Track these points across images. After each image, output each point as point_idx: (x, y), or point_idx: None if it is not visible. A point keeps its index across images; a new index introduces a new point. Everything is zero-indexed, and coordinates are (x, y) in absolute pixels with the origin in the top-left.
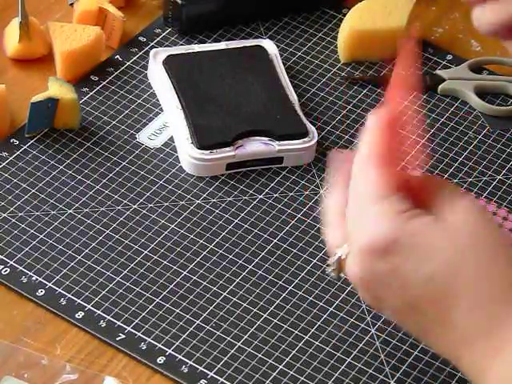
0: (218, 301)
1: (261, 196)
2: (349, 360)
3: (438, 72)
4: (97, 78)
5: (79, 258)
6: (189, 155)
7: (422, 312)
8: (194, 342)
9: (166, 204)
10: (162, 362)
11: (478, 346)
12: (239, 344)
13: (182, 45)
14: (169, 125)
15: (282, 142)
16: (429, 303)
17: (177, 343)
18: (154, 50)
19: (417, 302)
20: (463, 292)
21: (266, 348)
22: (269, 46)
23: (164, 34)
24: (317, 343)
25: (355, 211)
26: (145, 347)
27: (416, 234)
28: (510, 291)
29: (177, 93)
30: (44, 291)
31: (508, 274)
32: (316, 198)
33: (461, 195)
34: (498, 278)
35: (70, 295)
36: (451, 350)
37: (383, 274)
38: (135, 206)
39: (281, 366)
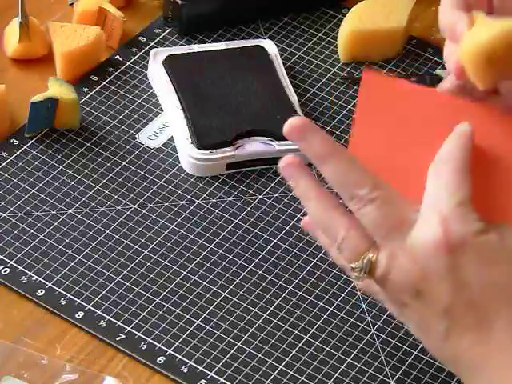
0: (218, 301)
1: (261, 196)
2: (349, 360)
3: (438, 72)
4: (97, 78)
5: (79, 258)
6: (189, 155)
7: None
8: (194, 342)
9: (165, 204)
10: (162, 362)
11: (506, 360)
12: (239, 344)
13: (182, 45)
14: (169, 125)
15: (281, 142)
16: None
17: (177, 343)
18: (154, 50)
19: (473, 301)
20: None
21: (266, 348)
22: (269, 46)
23: (164, 34)
24: (317, 343)
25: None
26: (145, 347)
27: (485, 244)
28: None
29: (177, 93)
30: (44, 291)
31: None
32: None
33: None
34: None
35: (70, 295)
36: (478, 359)
37: (464, 268)
38: (135, 206)
39: (281, 366)
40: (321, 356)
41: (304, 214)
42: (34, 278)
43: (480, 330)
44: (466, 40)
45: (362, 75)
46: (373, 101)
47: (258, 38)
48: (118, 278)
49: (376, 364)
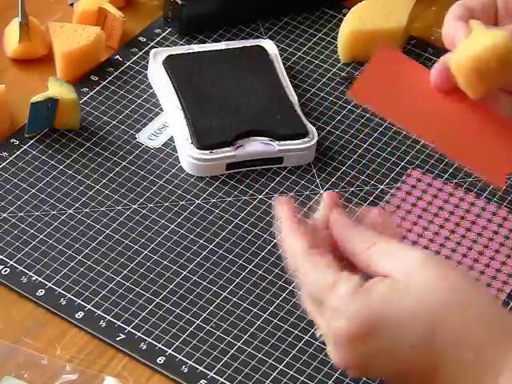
0: (218, 301)
1: (261, 196)
2: None
3: None
4: (97, 78)
5: (79, 258)
6: (189, 155)
7: (412, 378)
8: (194, 342)
9: (165, 204)
10: (162, 362)
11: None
12: (239, 344)
13: (182, 45)
14: (169, 125)
15: (281, 142)
16: (416, 369)
17: (177, 343)
18: (154, 50)
19: (406, 369)
20: (447, 346)
21: (266, 348)
22: (269, 45)
23: (164, 34)
24: (317, 343)
25: (314, 305)
26: (145, 347)
27: (383, 306)
28: (492, 333)
29: (177, 93)
30: (44, 291)
31: (486, 316)
32: (316, 198)
33: (401, 256)
34: (474, 323)
35: (70, 295)
36: None
37: (370, 354)
38: (135, 206)
39: (281, 366)
40: (321, 356)
41: (304, 215)
42: (33, 278)
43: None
44: (457, 51)
45: (378, 47)
46: (381, 63)
47: (257, 37)
48: (118, 278)
49: None
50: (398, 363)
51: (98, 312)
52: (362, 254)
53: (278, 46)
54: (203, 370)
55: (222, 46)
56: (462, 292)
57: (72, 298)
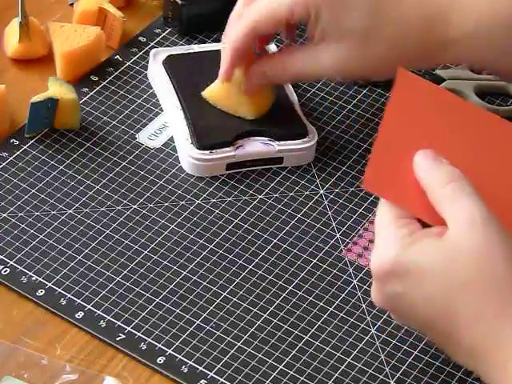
0: (217, 301)
1: (261, 196)
2: (349, 360)
3: (437, 72)
4: (97, 78)
5: (79, 258)
6: (189, 155)
7: (433, 329)
8: (194, 342)
9: (165, 204)
10: (162, 362)
11: (487, 361)
12: (239, 344)
13: (181, 45)
14: (169, 125)
15: (281, 142)
16: (434, 321)
17: (177, 343)
18: (154, 50)
19: (425, 320)
20: (462, 310)
21: (266, 348)
22: (268, 45)
23: (164, 34)
24: (317, 343)
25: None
26: (145, 347)
27: (416, 256)
28: (509, 307)
29: (177, 93)
30: (44, 291)
31: (506, 291)
32: (316, 198)
33: (464, 207)
34: (498, 295)
35: (69, 295)
36: (465, 364)
37: (393, 296)
38: (135, 206)
39: (281, 366)
40: (321, 356)
41: (304, 215)
42: (33, 278)
43: (450, 340)
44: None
45: (397, 73)
46: (404, 100)
47: None
48: (118, 278)
49: (376, 364)
50: (417, 311)
51: (98, 312)
52: (434, 191)
53: (277, 46)
54: (203, 370)
55: (222, 46)
56: (494, 262)
57: (72, 297)
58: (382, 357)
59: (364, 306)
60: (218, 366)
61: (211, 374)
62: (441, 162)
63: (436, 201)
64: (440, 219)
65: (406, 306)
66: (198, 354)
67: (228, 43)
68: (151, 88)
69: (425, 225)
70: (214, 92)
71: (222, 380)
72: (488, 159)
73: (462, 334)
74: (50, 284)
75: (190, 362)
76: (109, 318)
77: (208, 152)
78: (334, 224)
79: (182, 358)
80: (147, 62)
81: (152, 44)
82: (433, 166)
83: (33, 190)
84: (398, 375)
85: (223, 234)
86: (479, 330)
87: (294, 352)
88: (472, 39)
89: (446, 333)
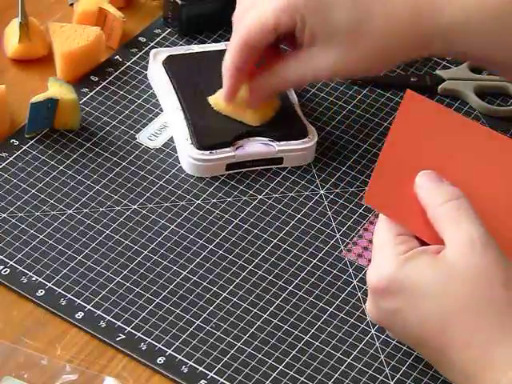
0: (217, 301)
1: (261, 196)
2: (349, 361)
3: (437, 72)
4: (97, 79)
5: (79, 258)
6: (189, 156)
7: (425, 347)
8: (194, 342)
9: (165, 204)
10: (162, 362)
11: (478, 381)
12: (239, 344)
13: (181, 45)
14: (169, 125)
15: (281, 143)
16: (427, 341)
17: (177, 343)
18: (154, 50)
19: (417, 338)
20: (455, 333)
21: (266, 348)
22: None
23: (164, 34)
24: (317, 343)
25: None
26: (145, 347)
27: (412, 275)
28: (503, 331)
29: (177, 93)
30: (44, 291)
31: (503, 316)
32: (316, 198)
33: (463, 228)
34: (494, 319)
35: (69, 295)
36: (453, 380)
37: (387, 312)
38: (135, 207)
39: (281, 367)
40: (321, 356)
41: (304, 215)
42: (33, 278)
43: (442, 361)
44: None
45: (405, 94)
46: (410, 120)
47: None
48: (117, 279)
49: (376, 365)
50: (410, 330)
51: (98, 312)
52: (434, 210)
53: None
54: (203, 370)
55: (221, 46)
56: (492, 298)
57: (72, 298)
58: (382, 357)
59: (364, 306)
60: (218, 367)
61: (211, 374)
62: (442, 183)
63: (435, 219)
64: (438, 238)
65: (399, 323)
66: (197, 355)
67: (225, 66)
68: (151, 88)
69: (423, 243)
70: (220, 100)
71: (221, 380)
72: (493, 180)
73: (453, 356)
74: (49, 284)
75: (190, 363)
76: (109, 318)
77: (208, 152)
78: (333, 224)
79: (182, 358)
80: (147, 63)
81: (152, 44)
82: (434, 186)
83: (33, 191)
84: (397, 376)
85: (223, 234)
86: (471, 353)
87: (293, 352)
88: (463, 26)
89: (439, 352)
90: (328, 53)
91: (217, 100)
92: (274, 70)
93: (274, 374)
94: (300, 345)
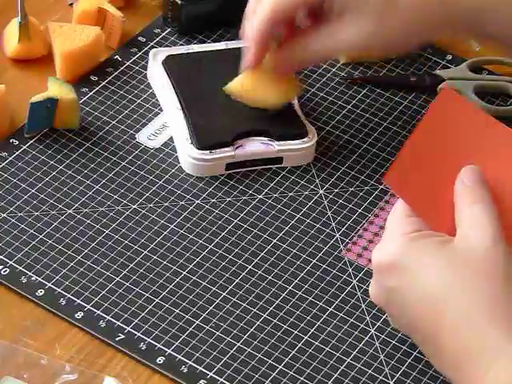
0: (217, 301)
1: (260, 196)
2: (348, 360)
3: (437, 72)
4: (96, 78)
5: (79, 258)
6: (188, 155)
7: (418, 331)
8: (194, 342)
9: (165, 204)
10: (162, 362)
11: (467, 369)
12: (239, 344)
13: (181, 45)
14: (168, 125)
15: (281, 142)
16: (421, 321)
17: (176, 343)
18: (154, 50)
19: (412, 319)
20: (449, 315)
21: (266, 348)
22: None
23: (164, 34)
24: (316, 343)
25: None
26: (144, 347)
27: (415, 254)
28: (495, 318)
29: (176, 93)
30: (43, 291)
31: (497, 306)
32: (315, 198)
33: (480, 220)
34: (486, 306)
35: (69, 295)
36: (444, 371)
37: (387, 290)
38: (135, 206)
39: (280, 366)
40: (320, 356)
41: (304, 215)
42: (33, 278)
43: (434, 344)
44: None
45: (441, 91)
46: (442, 115)
47: None
48: (117, 278)
49: (375, 364)
50: (406, 309)
51: (98, 312)
52: (462, 209)
53: None
54: (203, 370)
55: (221, 46)
56: (491, 287)
57: (71, 298)
58: (382, 357)
59: (364, 306)
60: (218, 366)
61: (211, 374)
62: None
63: (457, 199)
64: (447, 229)
65: (397, 301)
66: (197, 354)
67: (250, 31)
68: (151, 88)
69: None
70: (239, 86)
71: (221, 380)
72: None
73: (445, 340)
74: (49, 284)
75: (190, 362)
76: (108, 318)
77: (208, 152)
78: (333, 224)
79: (182, 358)
80: (147, 62)
81: (152, 44)
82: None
83: (32, 190)
84: (397, 376)
85: (223, 233)
86: (462, 338)
87: (293, 352)
88: (495, 5)
89: (430, 337)
90: (355, 26)
91: (237, 87)
92: (299, 42)
93: (274, 374)
94: (299, 344)
